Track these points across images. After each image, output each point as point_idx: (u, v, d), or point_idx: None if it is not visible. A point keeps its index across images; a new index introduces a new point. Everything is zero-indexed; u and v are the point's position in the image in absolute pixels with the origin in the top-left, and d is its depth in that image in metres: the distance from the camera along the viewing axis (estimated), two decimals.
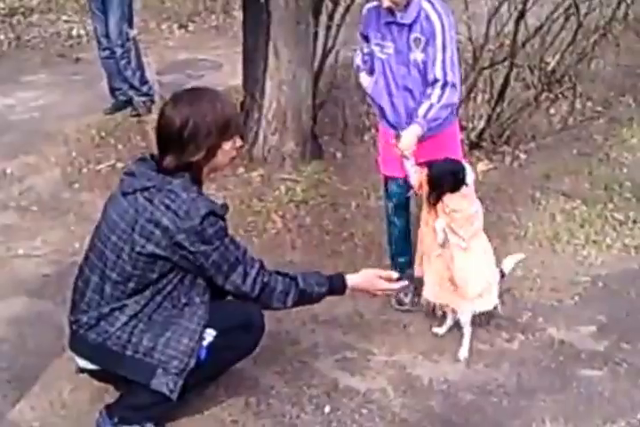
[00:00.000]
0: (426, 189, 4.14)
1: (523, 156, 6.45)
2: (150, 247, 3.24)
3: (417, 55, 4.17)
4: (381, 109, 4.41)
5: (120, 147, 6.63)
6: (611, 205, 5.63)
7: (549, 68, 6.91)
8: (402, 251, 4.65)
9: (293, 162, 6.16)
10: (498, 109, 6.48)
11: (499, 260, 4.34)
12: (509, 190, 5.90)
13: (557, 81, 6.98)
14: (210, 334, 3.41)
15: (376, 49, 4.28)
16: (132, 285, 3.32)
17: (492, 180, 6.04)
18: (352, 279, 3.67)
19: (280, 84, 6.05)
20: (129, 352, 3.32)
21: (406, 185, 4.40)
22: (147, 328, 3.34)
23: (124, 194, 3.32)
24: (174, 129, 3.28)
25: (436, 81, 4.14)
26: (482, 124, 6.48)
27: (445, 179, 4.08)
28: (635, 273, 4.94)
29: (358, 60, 4.46)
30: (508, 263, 4.40)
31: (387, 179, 4.56)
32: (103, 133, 6.87)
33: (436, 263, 4.20)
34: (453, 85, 4.16)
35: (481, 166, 6.21)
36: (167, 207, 3.21)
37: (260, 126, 6.13)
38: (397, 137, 4.15)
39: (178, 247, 3.24)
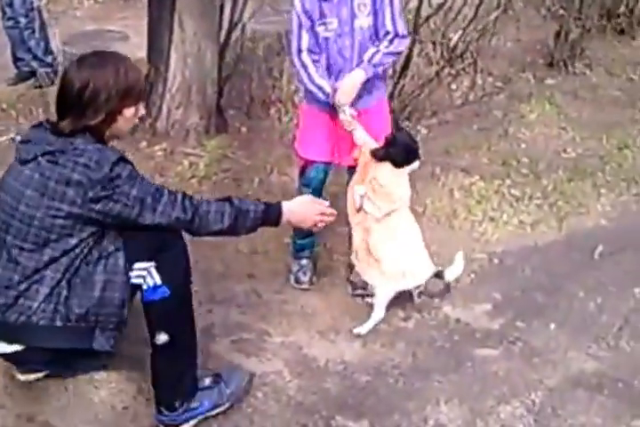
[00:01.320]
0: (366, 157, 4.02)
1: (424, 131, 6.30)
2: (65, 208, 3.03)
3: (362, 21, 4.02)
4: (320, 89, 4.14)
5: (21, 119, 6.25)
6: (508, 181, 5.53)
7: (452, 43, 6.78)
8: (307, 233, 4.45)
9: (197, 136, 5.90)
10: (400, 85, 6.31)
11: None
12: None
13: (459, 57, 6.85)
14: (150, 268, 3.21)
15: (320, 29, 4.05)
16: (48, 251, 3.08)
17: None
18: (287, 204, 3.46)
19: (185, 56, 5.78)
20: (59, 323, 3.11)
21: (325, 171, 4.27)
22: (70, 294, 3.11)
23: (24, 162, 3.10)
24: (74, 91, 3.10)
25: (386, 34, 4.05)
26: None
27: (402, 148, 3.98)
28: (530, 250, 4.86)
29: (304, 43, 4.11)
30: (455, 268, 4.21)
31: (306, 163, 4.33)
32: (4, 105, 6.48)
33: (356, 232, 4.09)
34: (403, 36, 4.09)
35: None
36: (75, 163, 3.01)
37: (164, 100, 5.86)
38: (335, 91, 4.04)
39: (95, 202, 3.04)
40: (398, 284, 4.09)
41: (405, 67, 6.35)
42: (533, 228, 5.08)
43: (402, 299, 4.26)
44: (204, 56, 5.85)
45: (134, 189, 3.07)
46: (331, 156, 4.25)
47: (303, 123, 4.35)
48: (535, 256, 4.82)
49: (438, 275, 4.14)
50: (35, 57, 6.98)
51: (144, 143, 5.85)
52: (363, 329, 4.09)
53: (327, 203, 3.64)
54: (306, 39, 4.07)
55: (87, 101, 3.09)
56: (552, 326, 4.19)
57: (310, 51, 4.08)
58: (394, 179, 3.99)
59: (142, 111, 3.29)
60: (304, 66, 4.08)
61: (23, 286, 3.10)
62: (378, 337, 4.07)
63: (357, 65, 4.06)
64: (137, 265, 3.19)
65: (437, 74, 6.54)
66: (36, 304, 3.10)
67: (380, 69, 4.10)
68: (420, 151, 4.09)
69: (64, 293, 3.11)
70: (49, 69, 6.95)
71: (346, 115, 4.02)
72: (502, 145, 6.11)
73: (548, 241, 4.98)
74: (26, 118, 6.28)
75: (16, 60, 7.09)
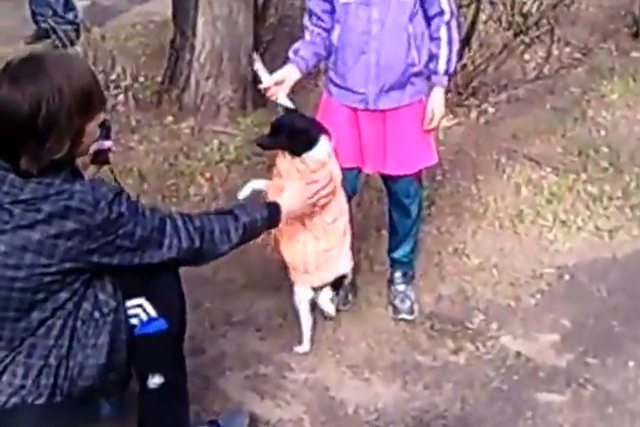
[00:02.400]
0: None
1: (491, 110, 5.53)
2: (56, 263, 2.38)
3: None
4: (339, 75, 3.44)
5: None
6: (584, 176, 4.75)
7: (526, 8, 5.92)
8: None
9: (230, 112, 5.21)
10: (465, 55, 5.50)
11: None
12: (472, 153, 5.01)
13: (535, 23, 5.98)
14: (144, 303, 2.65)
15: None
16: (36, 315, 2.44)
17: (453, 139, 5.16)
18: (284, 202, 2.96)
19: (214, 20, 5.08)
20: (59, 398, 2.50)
21: (354, 178, 3.59)
22: (70, 364, 2.50)
23: None
24: (20, 119, 2.31)
25: (440, 14, 3.35)
26: None
27: (293, 132, 3.19)
28: (607, 264, 4.11)
29: (315, 5, 3.41)
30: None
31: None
32: None
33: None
34: (454, 14, 3.41)
35: (444, 122, 5.30)
36: (67, 209, 2.33)
37: (192, 69, 5.16)
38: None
39: (93, 252, 2.41)
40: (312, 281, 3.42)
41: (470, 34, 5.55)
42: (612, 236, 4.31)
43: (453, 326, 3.58)
44: (235, 20, 5.13)
45: (139, 228, 2.48)
46: (358, 161, 3.54)
47: (322, 118, 3.50)
48: (613, 272, 4.06)
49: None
50: (54, 13, 6.32)
51: (170, 118, 5.19)
52: (303, 347, 3.50)
53: (320, 174, 3.11)
54: (316, 1, 3.38)
55: (44, 131, 2.32)
56: (631, 364, 3.48)
57: (319, 18, 3.39)
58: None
59: (103, 117, 2.54)
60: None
61: (9, 361, 2.48)
62: (422, 375, 3.39)
63: (391, 53, 3.33)
64: (129, 303, 2.63)
65: (508, 44, 5.71)
66: (28, 382, 2.47)
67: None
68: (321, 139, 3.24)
69: (63, 363, 2.50)
70: (69, 27, 6.28)
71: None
72: (579, 130, 5.29)
73: (629, 253, 4.21)
74: None
75: (34, 14, 6.45)
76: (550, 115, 5.47)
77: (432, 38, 3.41)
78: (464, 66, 5.52)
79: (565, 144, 5.09)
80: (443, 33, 3.39)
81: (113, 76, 5.47)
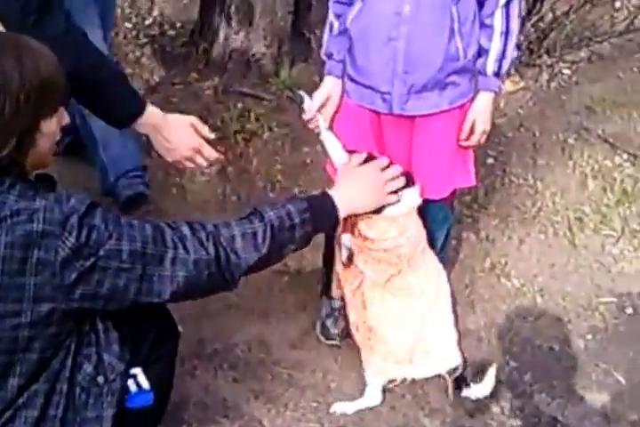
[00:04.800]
0: None
1: (566, 71, 4.51)
2: (27, 310, 1.77)
3: None
4: (357, 69, 2.60)
5: None
6: None
7: None
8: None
9: (261, 71, 4.32)
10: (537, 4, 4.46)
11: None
12: (535, 129, 4.05)
13: None
14: (138, 373, 2.08)
15: None
16: (13, 382, 1.84)
17: (515, 109, 4.20)
18: (333, 190, 2.14)
19: None
20: None
21: None
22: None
23: None
24: None
25: None
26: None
27: None
28: None
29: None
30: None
31: None
32: None
33: (354, 299, 2.57)
34: None
35: (507, 86, 4.34)
36: (27, 235, 1.72)
37: (221, 21, 4.27)
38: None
39: (74, 285, 1.77)
40: (400, 370, 2.61)
41: None
42: None
43: (475, 374, 2.76)
44: None
45: (124, 242, 1.81)
46: None
47: (338, 126, 2.65)
48: None
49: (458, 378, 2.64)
50: None
51: (194, 75, 4.33)
52: (347, 408, 2.69)
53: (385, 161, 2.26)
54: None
55: None
56: None
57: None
58: (386, 225, 2.36)
59: (67, 119, 1.92)
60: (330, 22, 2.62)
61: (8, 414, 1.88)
62: None
63: (427, 42, 2.44)
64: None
65: None
66: None
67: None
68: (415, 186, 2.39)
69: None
70: None
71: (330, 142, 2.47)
72: None
73: None
74: None
75: None
76: (636, 80, 4.43)
77: (483, 25, 2.53)
78: (541, 16, 4.49)
79: None
80: (497, 20, 2.52)
81: (149, 21, 4.67)
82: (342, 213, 2.10)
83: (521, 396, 2.78)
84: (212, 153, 2.38)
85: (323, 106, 2.60)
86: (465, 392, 2.65)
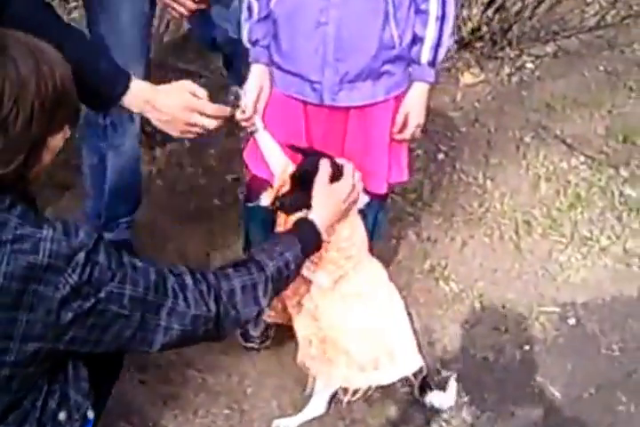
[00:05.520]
0: (287, 189, 2.18)
1: (529, 65, 4.29)
2: (14, 350, 1.61)
3: None
4: (283, 54, 2.35)
5: None
6: (625, 173, 3.57)
7: None
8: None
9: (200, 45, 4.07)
10: None
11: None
12: (491, 126, 3.83)
13: None
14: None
15: None
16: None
17: (472, 104, 3.98)
18: (314, 213, 2.04)
19: None
20: None
21: None
22: None
23: None
24: None
25: None
26: (479, 13, 4.26)
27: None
28: (629, 306, 3.01)
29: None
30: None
31: (252, 183, 2.58)
32: None
33: (300, 315, 2.35)
34: None
35: (466, 78, 4.14)
36: (29, 268, 1.56)
37: None
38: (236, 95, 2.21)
39: (69, 326, 1.61)
40: (366, 378, 2.37)
41: None
42: None
43: (402, 385, 2.56)
44: None
45: (128, 286, 1.65)
46: None
47: (265, 117, 2.38)
48: (636, 319, 2.95)
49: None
50: None
51: None
52: (291, 423, 2.49)
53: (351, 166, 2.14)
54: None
55: None
56: None
57: None
58: (340, 225, 2.16)
59: (68, 132, 1.73)
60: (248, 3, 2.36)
61: None
62: None
63: (360, 27, 2.24)
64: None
65: None
66: None
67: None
68: None
69: None
70: None
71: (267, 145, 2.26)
72: (632, 107, 4.01)
73: None
74: None
75: None
76: (601, 79, 4.21)
77: (417, 11, 2.30)
78: (503, 6, 4.27)
79: (610, 124, 3.87)
80: (432, 4, 2.29)
81: None
82: (323, 236, 2.03)
83: (447, 411, 2.59)
84: (212, 107, 2.09)
85: (257, 100, 2.38)
86: (428, 397, 2.49)
